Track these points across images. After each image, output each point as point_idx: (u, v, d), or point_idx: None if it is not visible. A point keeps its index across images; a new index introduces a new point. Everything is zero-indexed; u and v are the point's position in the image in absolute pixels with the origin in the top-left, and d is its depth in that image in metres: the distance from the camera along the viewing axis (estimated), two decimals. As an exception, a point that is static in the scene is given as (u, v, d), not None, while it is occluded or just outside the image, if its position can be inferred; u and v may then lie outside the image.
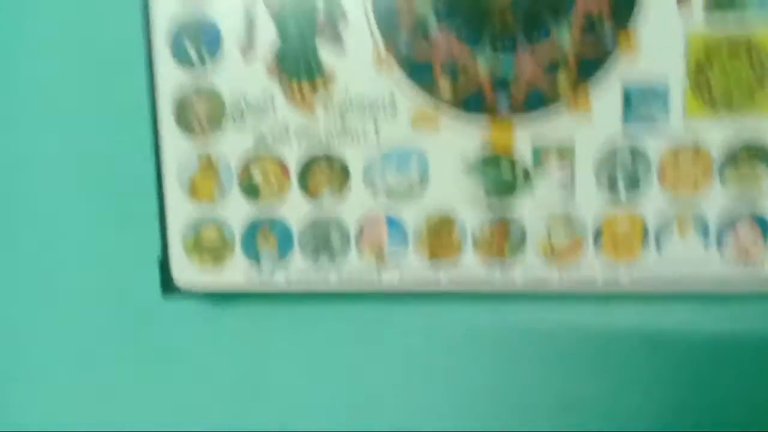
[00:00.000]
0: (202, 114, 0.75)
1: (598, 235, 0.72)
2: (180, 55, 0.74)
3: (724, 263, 0.72)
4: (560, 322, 0.77)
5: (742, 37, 0.68)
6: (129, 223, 0.80)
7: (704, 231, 0.72)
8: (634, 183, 0.71)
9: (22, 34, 0.80)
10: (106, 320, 0.84)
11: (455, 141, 0.72)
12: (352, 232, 0.75)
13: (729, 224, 0.71)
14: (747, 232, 0.71)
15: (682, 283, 0.72)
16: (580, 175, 0.72)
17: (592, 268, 0.73)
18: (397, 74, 0.72)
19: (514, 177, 0.72)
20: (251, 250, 0.77)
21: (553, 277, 0.73)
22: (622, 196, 0.72)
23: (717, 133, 0.70)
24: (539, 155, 0.72)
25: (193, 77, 0.74)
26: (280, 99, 0.74)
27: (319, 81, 0.73)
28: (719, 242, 0.71)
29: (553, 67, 0.70)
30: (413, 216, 0.74)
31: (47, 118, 0.81)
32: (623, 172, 0.71)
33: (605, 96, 0.70)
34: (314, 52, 0.72)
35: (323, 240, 0.76)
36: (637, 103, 0.70)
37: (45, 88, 0.81)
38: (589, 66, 0.70)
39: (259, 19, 0.72)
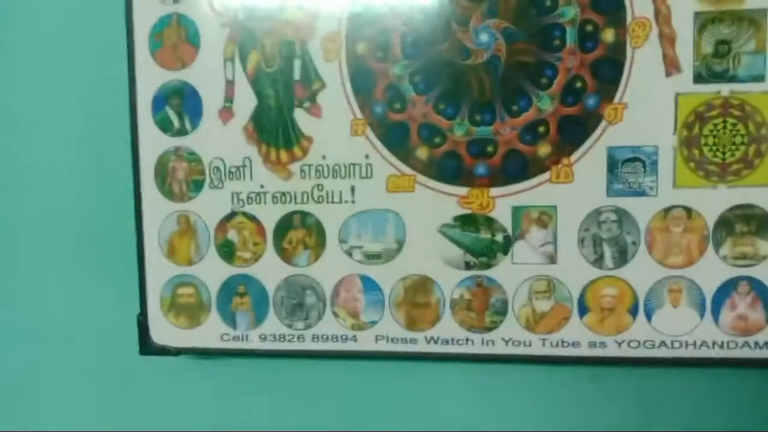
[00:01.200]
0: (182, 177, 0.78)
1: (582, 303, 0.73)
2: (162, 120, 0.77)
3: (721, 333, 0.72)
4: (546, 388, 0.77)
5: (735, 98, 0.70)
6: (110, 281, 0.82)
7: (700, 300, 0.72)
8: (621, 251, 0.72)
9: (14, 105, 0.84)
10: (86, 375, 0.86)
11: (432, 204, 0.74)
12: (328, 294, 0.77)
13: (725, 293, 0.72)
14: (744, 301, 0.72)
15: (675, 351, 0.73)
16: (562, 240, 0.73)
17: (577, 336, 0.74)
18: (373, 140, 0.74)
19: (493, 236, 0.74)
20: (226, 310, 0.78)
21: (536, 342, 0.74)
22: (608, 264, 0.72)
23: (709, 200, 0.71)
24: (520, 219, 0.73)
25: (174, 141, 0.77)
26: (257, 163, 0.76)
27: (295, 147, 0.75)
28: (715, 311, 0.72)
29: (534, 139, 0.72)
30: (389, 278, 0.76)
31: (36, 180, 0.84)
32: (609, 239, 0.72)
33: (589, 166, 0.72)
34: (292, 118, 0.75)
35: (298, 301, 0.77)
36: (624, 173, 0.71)
37: (34, 152, 0.84)
38: (572, 137, 0.72)
39: (238, 86, 0.76)
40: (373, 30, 0.73)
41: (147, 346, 0.81)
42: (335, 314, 0.77)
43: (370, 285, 0.76)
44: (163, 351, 0.80)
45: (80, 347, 0.86)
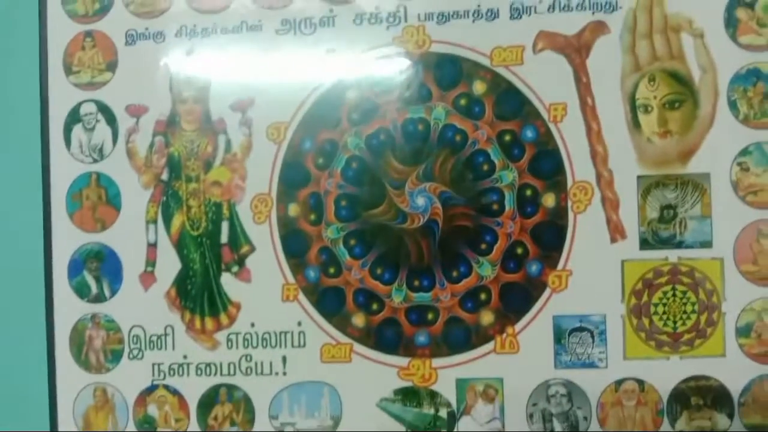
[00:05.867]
0: (99, 346, 0.77)
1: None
2: (78, 285, 0.77)
3: None
4: None
5: (684, 265, 0.71)
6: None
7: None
8: (573, 427, 0.72)
9: None
10: None
11: (370, 375, 0.74)
12: (258, 476, 0.75)
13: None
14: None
15: None
16: (510, 415, 0.73)
17: None
18: (307, 306, 0.74)
19: (437, 412, 0.73)
20: (146, 496, 0.76)
21: None
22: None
23: (662, 372, 0.71)
24: (464, 392, 0.73)
25: (91, 308, 0.77)
26: (180, 332, 0.76)
27: (222, 314, 0.75)
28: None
29: (475, 306, 0.73)
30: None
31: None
32: (559, 414, 0.72)
33: (535, 336, 0.72)
34: (218, 284, 0.75)
35: (225, 485, 0.75)
36: (572, 343, 0.72)
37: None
38: (515, 305, 0.73)
39: (161, 250, 0.76)
40: (305, 192, 0.75)
41: None
42: (266, 499, 0.75)
43: (303, 466, 0.75)
44: None
45: None
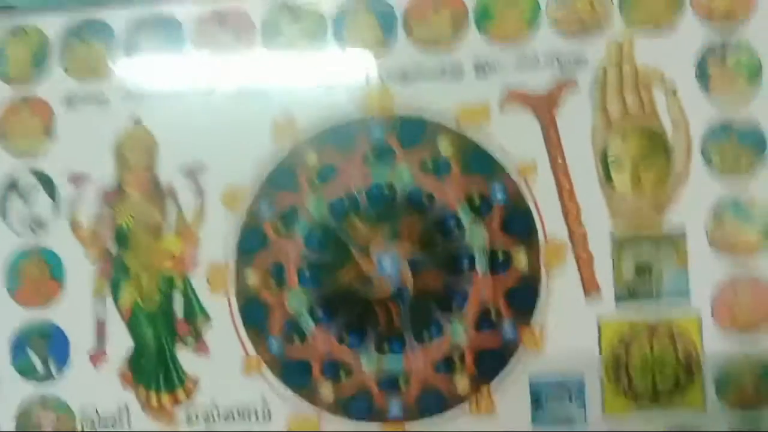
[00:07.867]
0: (50, 429, 0.73)
1: None
2: (23, 365, 0.73)
3: None
4: None
5: (661, 323, 0.71)
6: None
7: None
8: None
9: None
10: None
11: (342, 448, 0.72)
12: None
13: None
14: None
15: None
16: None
17: None
18: (270, 378, 0.72)
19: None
20: None
21: None
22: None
23: (642, 426, 0.71)
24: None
25: (39, 389, 0.73)
26: (136, 410, 0.73)
27: (179, 389, 0.72)
28: None
29: (449, 367, 0.72)
30: None
31: None
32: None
33: (511, 396, 0.71)
34: (173, 358, 0.72)
35: None
36: (549, 401, 0.71)
37: None
38: (489, 364, 0.72)
39: (111, 326, 0.73)
40: (265, 259, 0.72)
41: None
42: None
43: None
44: None
45: None
